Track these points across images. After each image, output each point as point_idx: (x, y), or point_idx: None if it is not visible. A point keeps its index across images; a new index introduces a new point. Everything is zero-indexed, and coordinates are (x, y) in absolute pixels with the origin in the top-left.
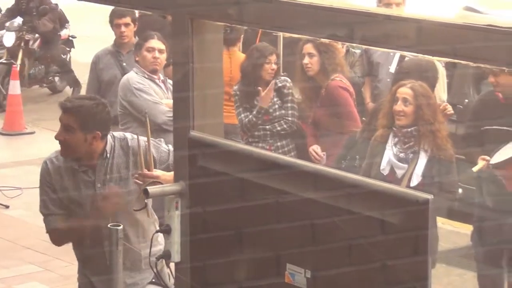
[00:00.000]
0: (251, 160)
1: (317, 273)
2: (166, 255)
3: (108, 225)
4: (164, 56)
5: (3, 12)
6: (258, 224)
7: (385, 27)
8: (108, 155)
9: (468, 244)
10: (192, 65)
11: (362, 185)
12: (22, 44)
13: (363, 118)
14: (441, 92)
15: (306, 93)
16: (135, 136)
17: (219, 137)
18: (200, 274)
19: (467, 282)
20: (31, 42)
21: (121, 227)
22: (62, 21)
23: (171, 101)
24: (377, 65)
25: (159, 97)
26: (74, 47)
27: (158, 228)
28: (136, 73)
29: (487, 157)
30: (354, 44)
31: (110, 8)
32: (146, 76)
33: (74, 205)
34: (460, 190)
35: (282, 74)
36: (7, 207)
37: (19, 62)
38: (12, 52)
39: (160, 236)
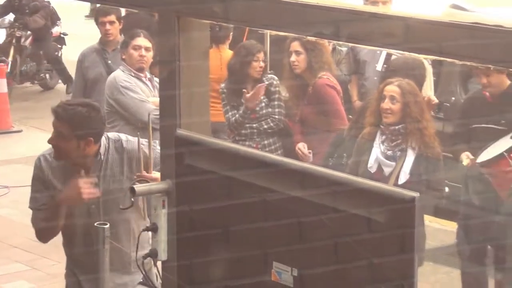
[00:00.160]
0: (238, 158)
1: (303, 271)
2: (153, 254)
3: (95, 224)
4: (150, 54)
5: None
6: (245, 222)
7: (371, 25)
8: (102, 157)
9: (455, 242)
10: (178, 63)
11: (348, 183)
12: (14, 41)
13: (350, 116)
14: (428, 90)
15: (293, 91)
16: (131, 138)
17: (205, 135)
18: (187, 272)
19: (454, 280)
20: (22, 39)
21: (107, 225)
22: (53, 18)
23: (157, 99)
24: (364, 63)
25: (145, 95)
26: (65, 44)
27: None
28: (123, 71)
29: (471, 156)
30: (341, 42)
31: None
32: (133, 74)
33: None
34: (447, 188)
35: (269, 72)
36: None
37: (10, 58)
38: (3, 49)
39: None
